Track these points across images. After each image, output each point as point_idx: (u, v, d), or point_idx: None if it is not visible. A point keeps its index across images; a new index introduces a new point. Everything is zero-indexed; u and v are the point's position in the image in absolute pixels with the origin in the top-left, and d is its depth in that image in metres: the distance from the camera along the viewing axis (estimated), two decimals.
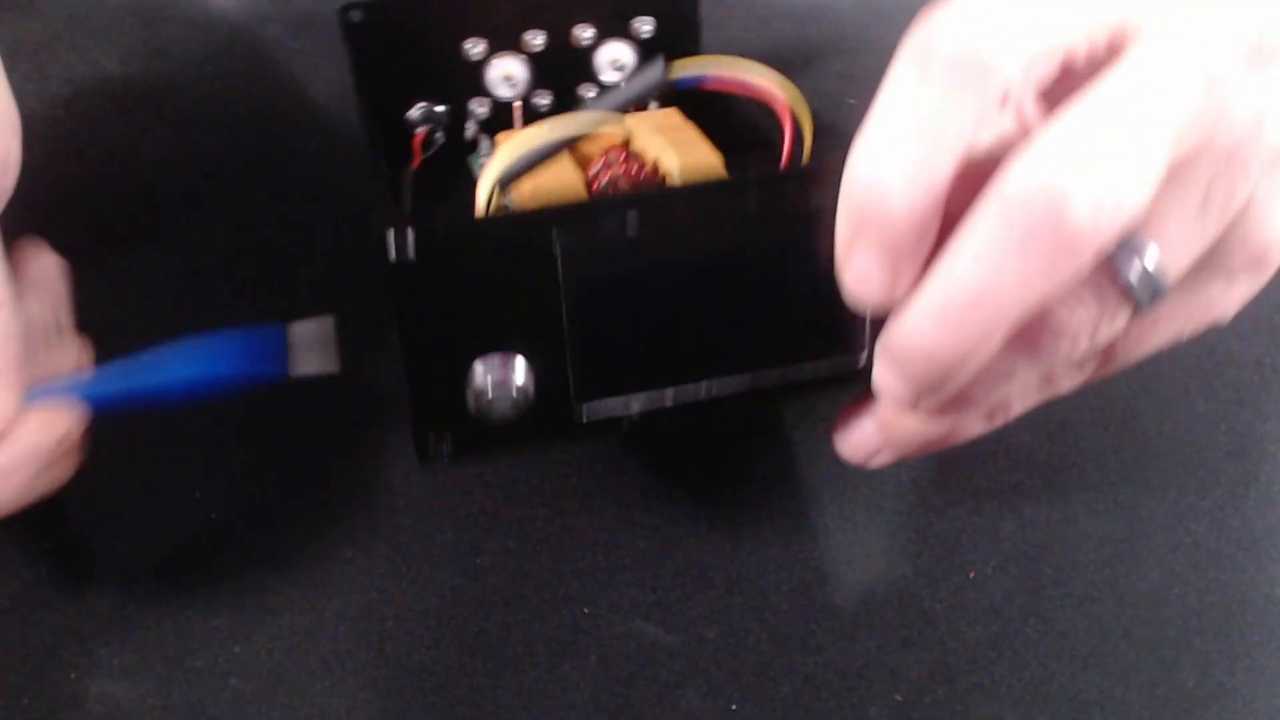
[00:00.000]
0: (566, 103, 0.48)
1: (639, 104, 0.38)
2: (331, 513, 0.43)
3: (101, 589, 0.41)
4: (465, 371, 0.32)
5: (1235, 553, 0.43)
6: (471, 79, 0.47)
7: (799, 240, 0.33)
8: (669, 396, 0.35)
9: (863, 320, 0.35)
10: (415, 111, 0.47)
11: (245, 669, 0.40)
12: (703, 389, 0.35)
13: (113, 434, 0.45)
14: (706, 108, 0.46)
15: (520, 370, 0.33)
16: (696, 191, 0.33)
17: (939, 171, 0.27)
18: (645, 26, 0.47)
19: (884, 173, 0.28)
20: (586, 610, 0.41)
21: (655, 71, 0.38)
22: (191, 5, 0.50)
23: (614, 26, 0.47)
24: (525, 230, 0.31)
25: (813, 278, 0.33)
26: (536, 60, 0.47)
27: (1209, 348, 0.47)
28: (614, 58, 0.47)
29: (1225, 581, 0.43)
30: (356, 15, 0.45)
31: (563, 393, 0.34)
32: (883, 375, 0.30)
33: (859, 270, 0.29)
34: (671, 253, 0.32)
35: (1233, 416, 0.46)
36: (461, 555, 0.42)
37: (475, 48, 0.47)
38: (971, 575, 0.43)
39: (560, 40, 0.47)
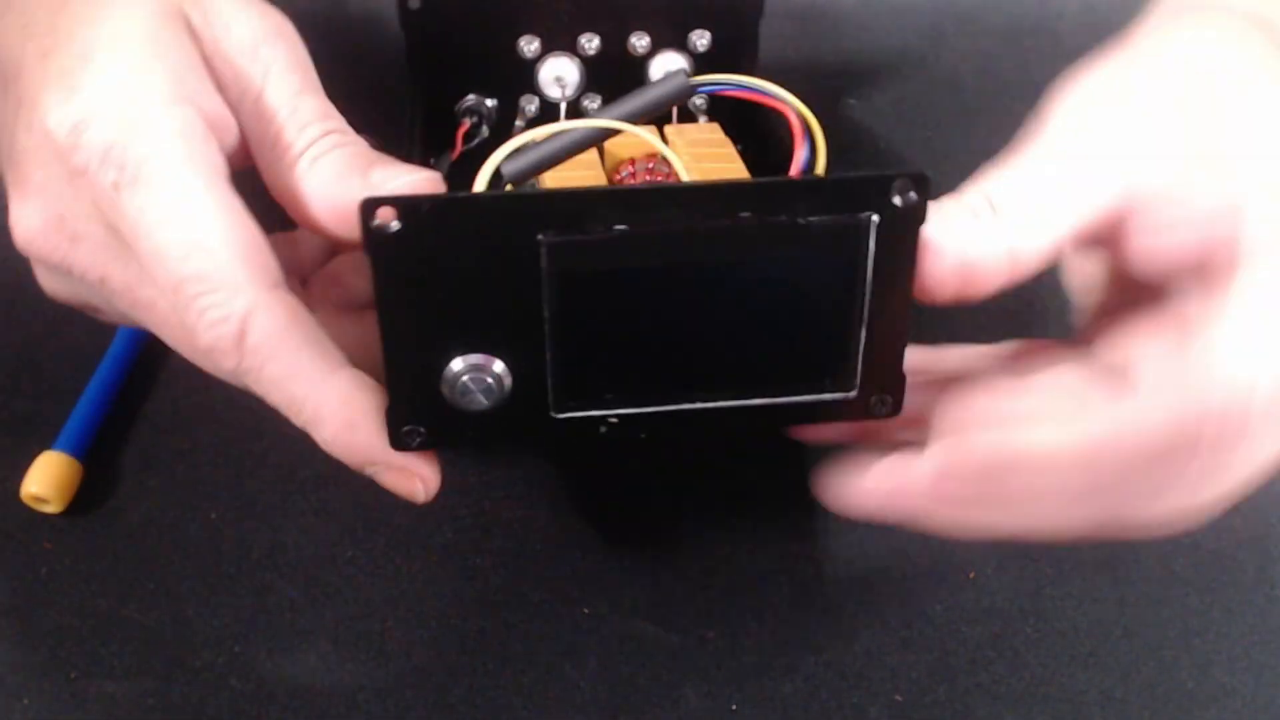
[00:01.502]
0: None
1: (662, 111, 0.38)
2: (331, 513, 0.43)
3: (101, 589, 0.41)
4: (443, 358, 0.32)
5: (1235, 553, 0.43)
6: (523, 76, 0.47)
7: (796, 258, 0.32)
8: (648, 412, 0.34)
9: (856, 354, 0.33)
10: (464, 103, 0.47)
11: (245, 669, 0.40)
12: (684, 407, 0.34)
13: (113, 434, 0.45)
14: (750, 126, 0.45)
15: (498, 367, 0.32)
16: (688, 192, 0.32)
17: None
18: (702, 40, 0.47)
19: None
20: (586, 610, 0.41)
21: (678, 80, 0.37)
22: None
23: (670, 37, 0.47)
24: (510, 213, 0.31)
25: (809, 301, 0.32)
26: (589, 64, 0.47)
27: None
28: (667, 68, 0.47)
29: (1225, 581, 0.43)
30: (415, 2, 0.45)
31: (540, 394, 0.33)
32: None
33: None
34: (661, 255, 0.32)
35: None
36: (461, 555, 0.42)
37: (530, 45, 0.47)
38: (971, 575, 0.43)
39: (615, 47, 0.47)
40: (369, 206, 0.29)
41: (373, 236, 0.30)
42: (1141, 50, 0.33)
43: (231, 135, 0.33)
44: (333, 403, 0.32)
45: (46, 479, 0.42)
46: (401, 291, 0.31)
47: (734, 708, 0.39)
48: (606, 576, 0.42)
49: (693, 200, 0.31)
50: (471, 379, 0.32)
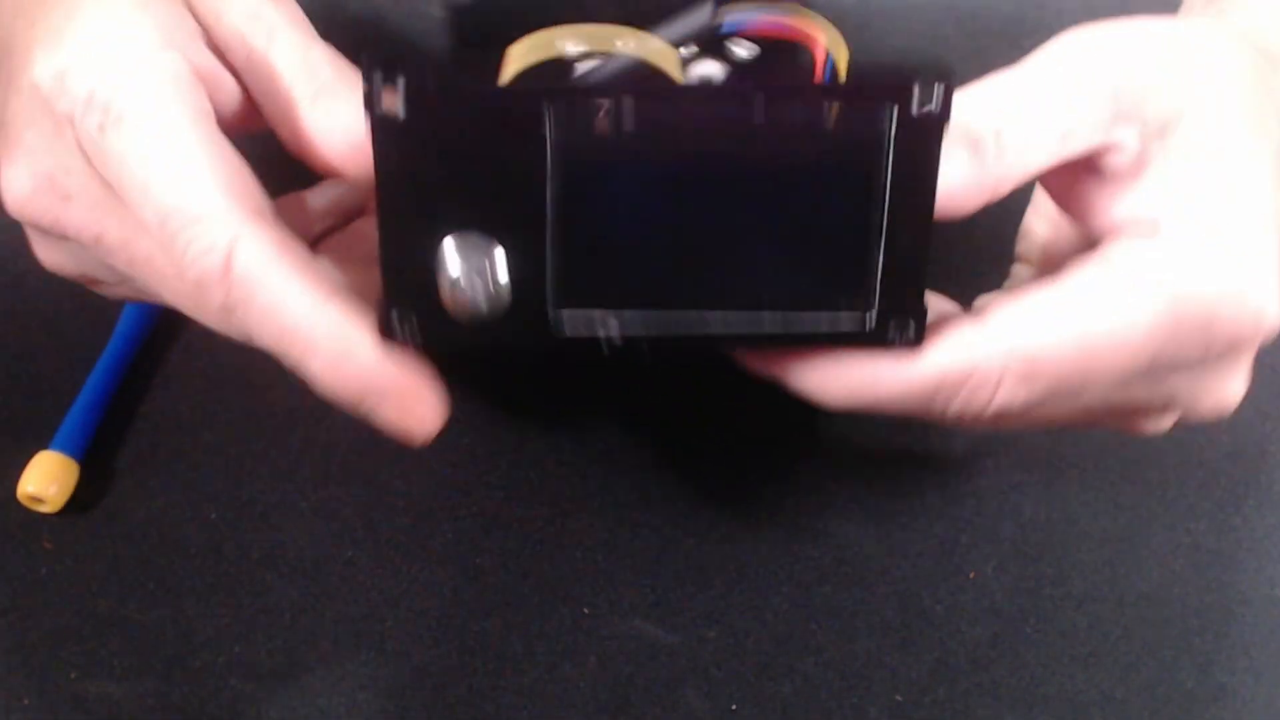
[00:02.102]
0: None
1: (683, 43, 0.37)
2: (331, 513, 0.43)
3: (101, 589, 0.41)
4: (442, 245, 0.30)
5: (1235, 553, 0.43)
6: (561, 78, 0.47)
7: (812, 161, 0.30)
8: (653, 322, 0.32)
9: (874, 271, 0.31)
10: None
11: (245, 669, 0.40)
12: (691, 319, 0.32)
13: (111, 433, 0.45)
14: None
15: (499, 262, 0.31)
16: (703, 90, 0.31)
17: None
18: (740, 50, 0.47)
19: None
20: (586, 610, 0.41)
21: (703, 13, 0.36)
22: None
23: (712, 46, 0.47)
24: (519, 102, 0.29)
25: (824, 210, 0.31)
26: None
27: None
28: (704, 74, 0.47)
29: (1225, 581, 0.43)
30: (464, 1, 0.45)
31: (540, 300, 0.31)
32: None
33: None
34: (671, 155, 0.30)
35: (1233, 416, 0.46)
36: (461, 555, 0.42)
37: (573, 48, 0.46)
38: (972, 575, 0.43)
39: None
40: (372, 74, 0.28)
41: (376, 122, 0.29)
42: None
43: (228, 93, 0.33)
44: (325, 330, 0.31)
45: (43, 479, 0.42)
46: (403, 174, 0.30)
47: (734, 708, 0.39)
48: (606, 576, 0.42)
49: (708, 98, 0.30)
50: (469, 275, 0.31)
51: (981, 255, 0.39)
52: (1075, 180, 0.33)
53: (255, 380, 0.42)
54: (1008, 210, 0.40)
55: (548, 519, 0.43)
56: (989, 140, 0.31)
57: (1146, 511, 0.44)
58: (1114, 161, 0.32)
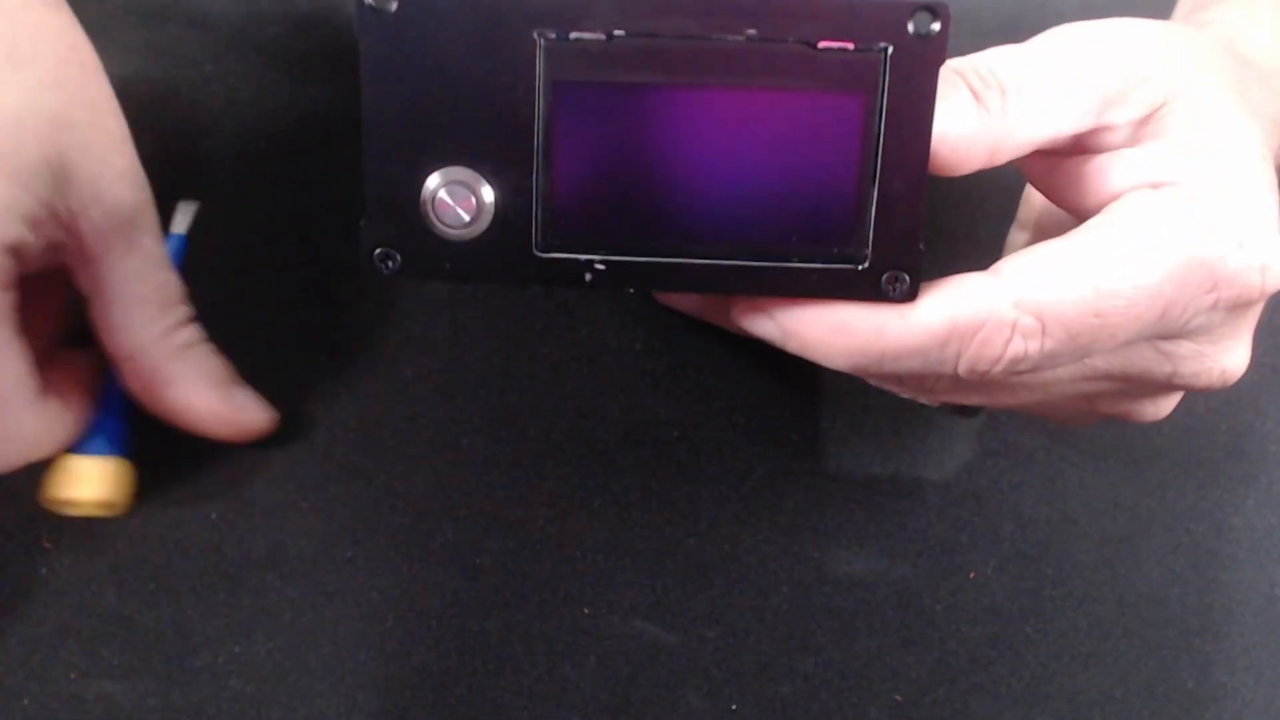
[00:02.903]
0: None
1: None
2: (331, 513, 0.43)
3: (101, 589, 0.41)
4: (426, 169, 0.30)
5: (1235, 553, 0.43)
6: None
7: (804, 94, 0.30)
8: (637, 269, 0.31)
9: (868, 216, 0.30)
10: None
11: (245, 669, 0.40)
12: (675, 267, 0.31)
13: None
14: None
15: (483, 183, 0.30)
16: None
17: None
18: None
19: None
20: (586, 610, 0.41)
21: None
22: (191, 5, 0.50)
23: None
24: (510, 5, 0.29)
25: (817, 148, 0.30)
26: None
27: None
28: None
29: (1225, 581, 0.43)
30: None
31: (525, 223, 0.31)
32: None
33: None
34: (661, 70, 0.29)
35: (1233, 416, 0.46)
36: (461, 555, 0.42)
37: None
38: (972, 575, 0.43)
39: None
40: None
41: (366, 14, 0.29)
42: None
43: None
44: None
45: (104, 484, 0.40)
46: (389, 86, 0.29)
47: (734, 708, 0.39)
48: (606, 576, 0.42)
49: (700, 6, 0.29)
50: (451, 193, 0.30)
51: (982, 247, 0.39)
52: (1063, 162, 0.33)
53: (255, 381, 0.42)
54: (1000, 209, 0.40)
55: (548, 519, 0.43)
56: (995, 95, 0.31)
57: (1146, 511, 0.44)
58: (1106, 140, 0.32)
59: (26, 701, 0.39)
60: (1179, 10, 0.41)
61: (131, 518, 0.43)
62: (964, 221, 0.44)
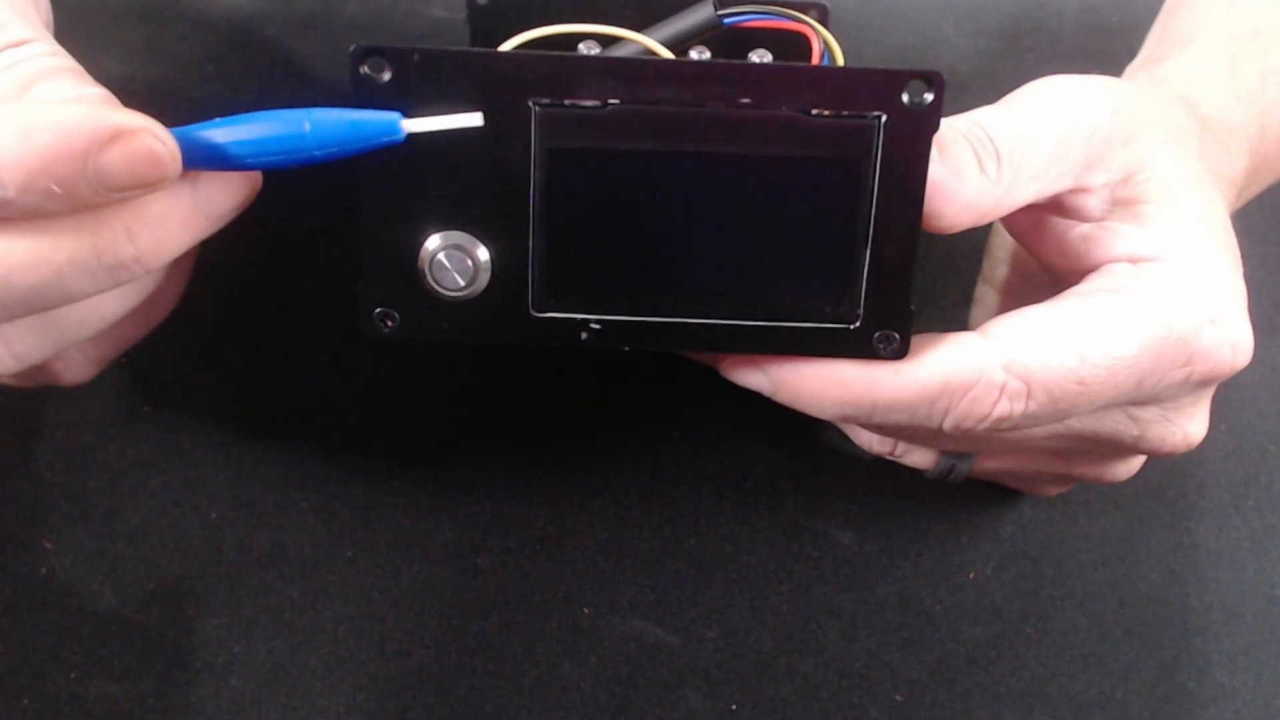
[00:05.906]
0: None
1: (689, 44, 0.36)
2: (331, 513, 0.43)
3: (101, 589, 0.41)
4: (423, 232, 0.30)
5: (1235, 553, 0.43)
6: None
7: (798, 159, 0.30)
8: (632, 329, 0.32)
9: (859, 277, 0.31)
10: None
11: (245, 669, 0.40)
12: (670, 327, 0.32)
13: (113, 433, 0.45)
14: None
15: (479, 245, 0.31)
16: (689, 67, 0.30)
17: None
18: (764, 59, 0.47)
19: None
20: (586, 610, 0.41)
21: (705, 10, 0.36)
22: (191, 5, 0.50)
23: (731, 54, 0.47)
24: (504, 74, 0.29)
25: (810, 211, 0.30)
26: None
27: None
28: None
29: (1225, 581, 0.43)
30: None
31: (521, 286, 0.31)
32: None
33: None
34: (656, 137, 0.30)
35: (1233, 416, 0.46)
36: (461, 555, 0.42)
37: (590, 51, 0.46)
38: (971, 575, 0.43)
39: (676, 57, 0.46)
40: (359, 53, 0.29)
41: (361, 85, 0.29)
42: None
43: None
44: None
45: None
46: (385, 152, 0.29)
47: (734, 708, 0.39)
48: (606, 576, 0.42)
49: (694, 76, 0.30)
50: (449, 256, 0.31)
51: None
52: (1044, 219, 0.35)
53: (255, 380, 0.42)
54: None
55: (548, 519, 0.43)
56: (991, 161, 0.32)
57: (1146, 511, 0.44)
58: (1082, 200, 0.34)
59: (26, 701, 0.39)
60: (1139, 58, 0.42)
61: (132, 518, 0.43)
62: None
